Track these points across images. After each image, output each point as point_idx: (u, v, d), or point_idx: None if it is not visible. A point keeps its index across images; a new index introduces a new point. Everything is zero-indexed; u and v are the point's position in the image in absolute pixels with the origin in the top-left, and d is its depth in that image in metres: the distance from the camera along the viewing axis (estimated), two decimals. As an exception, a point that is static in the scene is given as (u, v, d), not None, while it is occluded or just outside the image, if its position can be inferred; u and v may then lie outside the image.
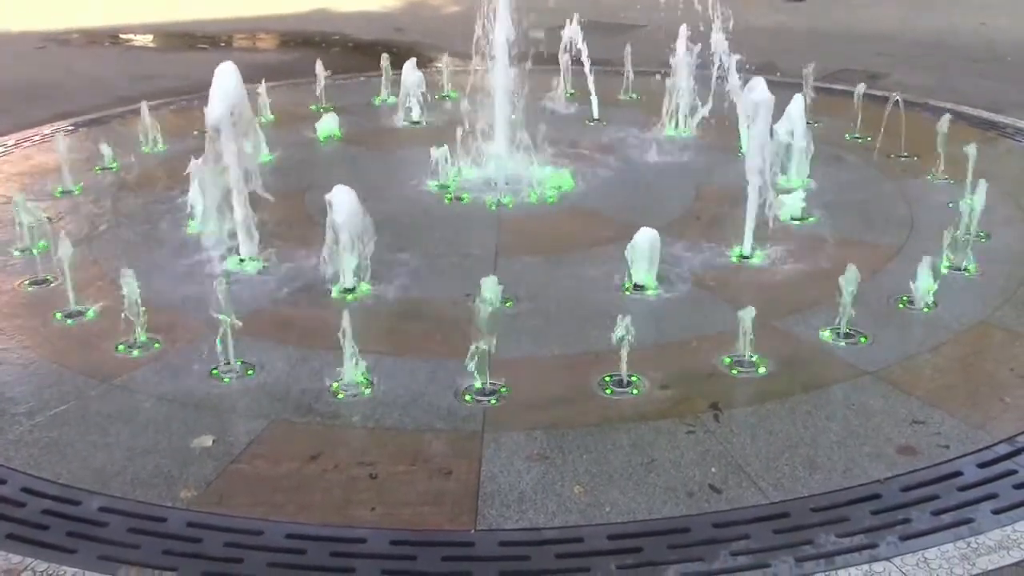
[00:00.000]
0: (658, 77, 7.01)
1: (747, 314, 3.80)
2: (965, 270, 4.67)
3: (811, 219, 5.34)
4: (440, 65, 8.04)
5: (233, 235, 4.84)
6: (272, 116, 7.31)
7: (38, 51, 10.77)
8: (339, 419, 3.60)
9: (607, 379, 3.77)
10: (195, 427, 3.54)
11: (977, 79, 8.92)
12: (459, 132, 5.95)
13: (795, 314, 4.31)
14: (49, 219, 5.27)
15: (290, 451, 3.41)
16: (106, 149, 6.36)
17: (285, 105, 7.58)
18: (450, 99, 7.73)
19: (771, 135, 4.90)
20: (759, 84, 4.69)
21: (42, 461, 3.37)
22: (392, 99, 7.61)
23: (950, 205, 5.33)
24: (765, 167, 4.72)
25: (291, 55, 10.57)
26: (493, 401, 3.67)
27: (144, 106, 6.73)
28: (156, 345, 4.08)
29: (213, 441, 3.46)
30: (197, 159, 4.83)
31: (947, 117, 6.02)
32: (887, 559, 2.89)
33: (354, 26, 12.00)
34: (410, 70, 7.22)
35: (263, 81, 7.39)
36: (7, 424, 3.58)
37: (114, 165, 6.33)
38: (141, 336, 4.08)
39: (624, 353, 3.70)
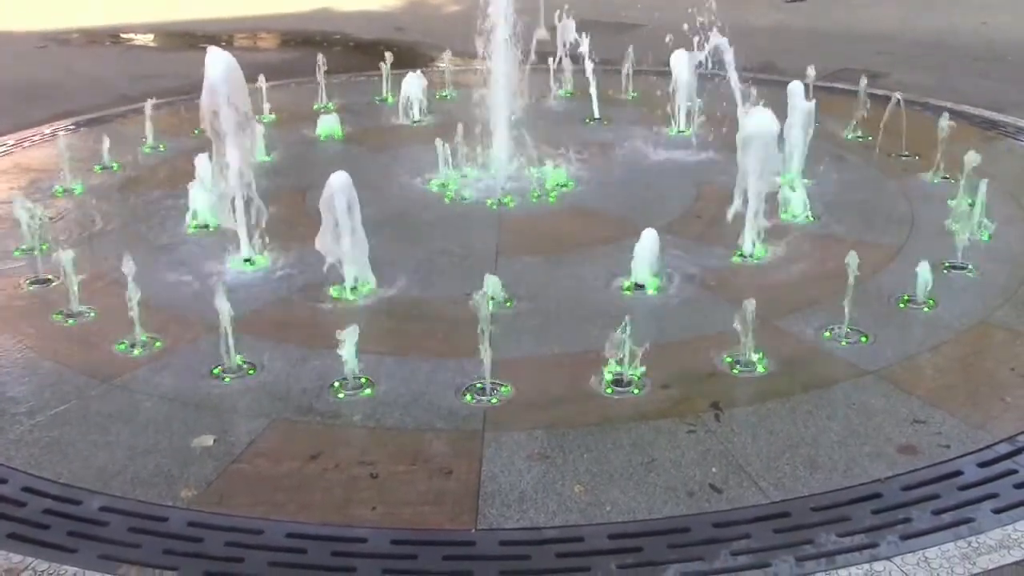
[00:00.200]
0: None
1: (748, 309, 3.79)
2: (966, 270, 4.67)
3: (812, 219, 5.34)
4: (441, 65, 8.04)
5: (234, 234, 4.83)
6: (273, 115, 7.32)
7: (39, 50, 10.77)
8: (340, 418, 3.60)
9: (607, 378, 3.77)
10: (196, 427, 3.55)
11: (978, 78, 8.92)
12: (460, 132, 5.95)
13: (796, 313, 4.31)
14: (50, 218, 5.27)
15: (291, 450, 3.41)
16: (107, 148, 6.35)
17: (286, 104, 7.58)
18: (450, 99, 7.73)
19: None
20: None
21: (43, 461, 3.37)
22: (392, 99, 7.61)
23: (951, 204, 5.33)
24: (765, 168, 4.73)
25: (292, 54, 10.57)
26: (494, 400, 3.67)
27: (147, 106, 6.73)
28: (157, 344, 4.08)
29: (214, 440, 3.46)
30: (198, 157, 4.84)
31: (947, 116, 6.02)
32: (888, 558, 2.89)
33: (355, 25, 12.00)
34: (412, 79, 7.20)
35: (261, 77, 7.37)
36: (8, 423, 3.58)
37: (115, 164, 6.33)
38: (142, 336, 4.08)
39: (625, 353, 3.70)
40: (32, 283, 4.67)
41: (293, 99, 7.80)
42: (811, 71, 6.79)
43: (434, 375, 3.85)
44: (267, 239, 4.86)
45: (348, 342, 3.66)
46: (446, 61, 8.14)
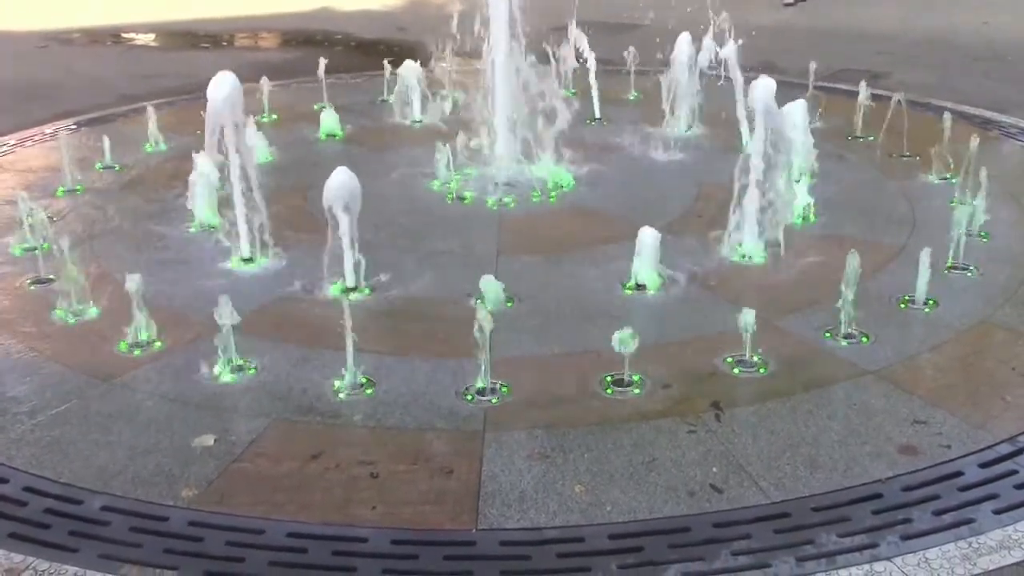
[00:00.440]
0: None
1: (748, 314, 3.79)
2: (967, 270, 4.67)
3: (813, 218, 5.34)
4: (442, 64, 8.03)
5: (235, 234, 4.84)
6: (274, 115, 7.32)
7: (40, 50, 10.77)
8: (340, 418, 3.61)
9: (608, 378, 3.77)
10: (196, 426, 3.55)
11: (979, 78, 8.91)
12: (460, 132, 5.94)
13: (796, 313, 4.31)
14: (51, 218, 5.28)
15: (291, 450, 3.41)
16: (108, 148, 6.36)
17: (287, 104, 7.58)
18: (451, 98, 7.73)
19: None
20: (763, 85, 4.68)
21: (44, 460, 3.37)
22: (393, 98, 7.61)
23: (952, 204, 5.33)
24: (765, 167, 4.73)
25: (293, 54, 10.58)
26: (494, 400, 3.67)
27: (149, 107, 6.74)
28: (158, 344, 4.09)
29: (214, 440, 3.46)
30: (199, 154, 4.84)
31: (949, 116, 6.02)
32: (888, 559, 2.89)
33: (356, 25, 12.00)
34: (411, 71, 7.21)
35: (263, 78, 7.38)
36: (9, 423, 3.59)
37: (116, 164, 6.34)
38: (143, 335, 4.08)
39: (625, 353, 3.70)
40: (33, 282, 4.67)
41: (294, 99, 7.81)
42: (811, 70, 6.81)
43: (434, 375, 3.85)
44: (268, 238, 4.86)
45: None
46: (447, 61, 8.13)
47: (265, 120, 7.13)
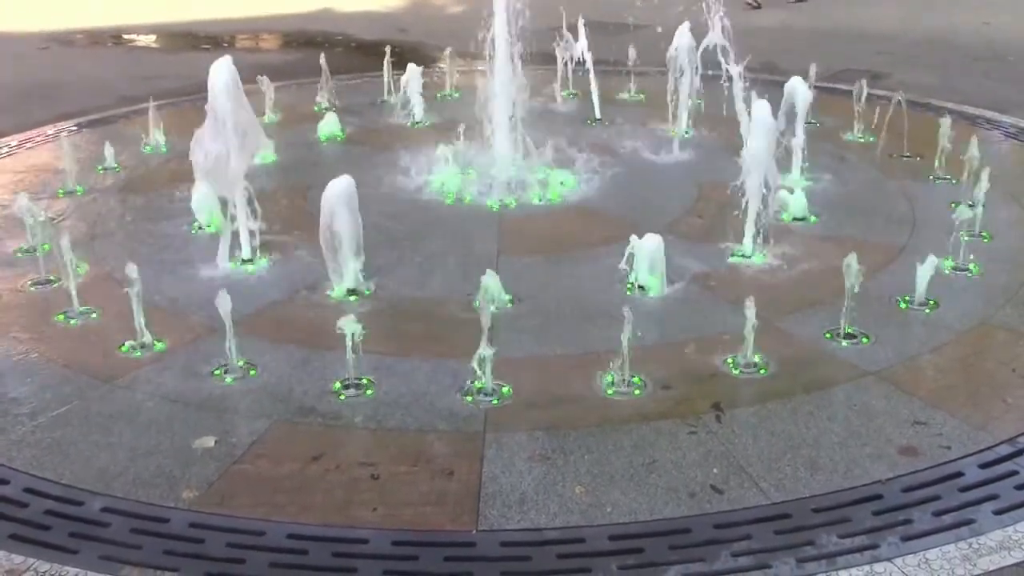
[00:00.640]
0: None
1: (749, 313, 3.79)
2: (967, 270, 4.67)
3: (813, 219, 5.34)
4: (442, 65, 8.04)
5: (236, 235, 4.84)
6: (274, 116, 7.32)
7: (41, 51, 10.78)
8: (341, 420, 3.61)
9: (609, 379, 3.77)
10: (197, 428, 3.55)
11: (980, 79, 8.91)
12: (461, 132, 5.95)
13: (797, 314, 4.31)
14: (52, 219, 5.28)
15: (292, 451, 3.41)
16: (109, 149, 6.36)
17: (287, 105, 7.58)
18: (452, 99, 7.74)
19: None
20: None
21: (44, 461, 3.38)
22: (393, 99, 7.61)
23: (952, 205, 5.32)
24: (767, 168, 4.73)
25: (294, 55, 10.58)
26: (495, 401, 3.67)
27: (150, 108, 6.74)
28: (158, 345, 4.09)
29: (215, 442, 3.46)
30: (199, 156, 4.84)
31: (949, 117, 6.02)
32: (888, 560, 2.89)
33: (357, 26, 12.00)
34: (412, 72, 7.22)
35: (265, 78, 7.38)
36: (10, 424, 3.59)
37: (117, 165, 6.34)
38: (144, 336, 4.08)
39: (625, 354, 3.70)
40: (34, 284, 4.67)
41: (295, 100, 7.81)
42: (812, 71, 6.80)
43: (435, 376, 3.85)
44: (269, 239, 4.86)
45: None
46: (448, 61, 8.14)
47: (266, 121, 7.13)
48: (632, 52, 7.72)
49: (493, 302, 3.67)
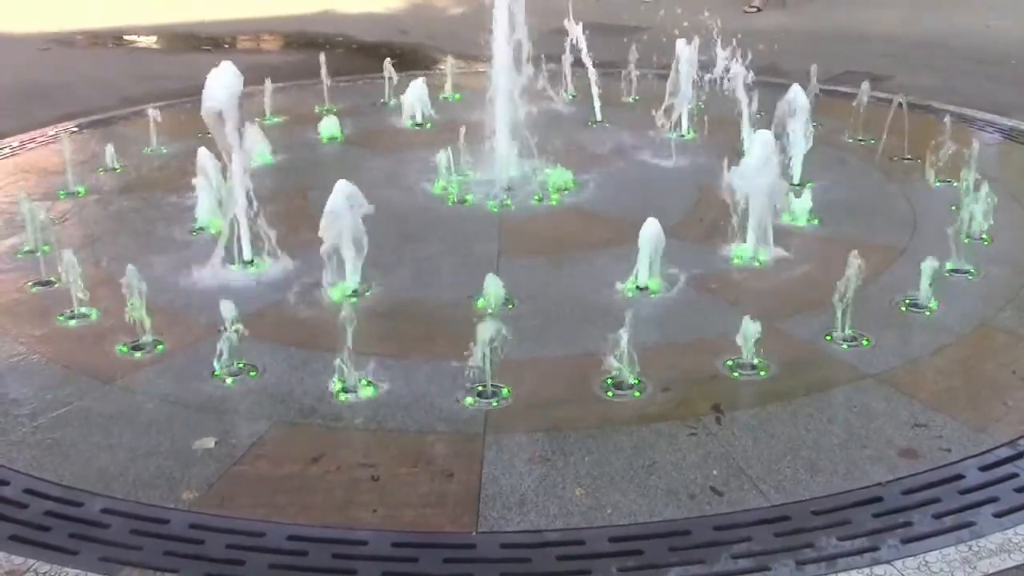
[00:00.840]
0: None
1: (749, 319, 3.80)
2: (967, 272, 4.67)
3: (814, 221, 5.34)
4: (443, 67, 8.04)
5: (236, 236, 4.84)
6: (275, 117, 7.33)
7: (42, 52, 10.79)
8: (341, 421, 3.61)
9: (608, 381, 3.77)
10: (197, 429, 3.55)
11: (981, 81, 8.91)
12: (462, 134, 5.95)
13: (797, 316, 4.31)
14: (53, 220, 5.28)
15: (292, 453, 3.41)
16: (110, 150, 6.37)
17: (288, 106, 7.58)
18: (453, 101, 7.74)
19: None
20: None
21: (44, 462, 3.38)
22: (394, 102, 7.62)
23: (952, 208, 5.32)
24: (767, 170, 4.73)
25: (294, 56, 10.58)
26: (495, 403, 3.67)
27: (151, 109, 6.75)
28: (159, 347, 4.09)
29: (215, 443, 3.46)
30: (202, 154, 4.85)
31: (950, 120, 6.02)
32: (888, 562, 2.89)
33: (358, 28, 12.00)
34: (416, 86, 7.20)
35: (267, 81, 7.40)
36: (10, 425, 3.59)
37: (118, 166, 6.35)
38: (144, 337, 4.08)
39: (625, 355, 3.70)
40: (35, 285, 4.68)
41: (296, 101, 7.81)
42: (813, 73, 6.80)
43: (435, 377, 3.85)
44: (269, 241, 4.86)
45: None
46: (449, 63, 8.15)
47: (267, 122, 7.13)
48: (633, 54, 7.73)
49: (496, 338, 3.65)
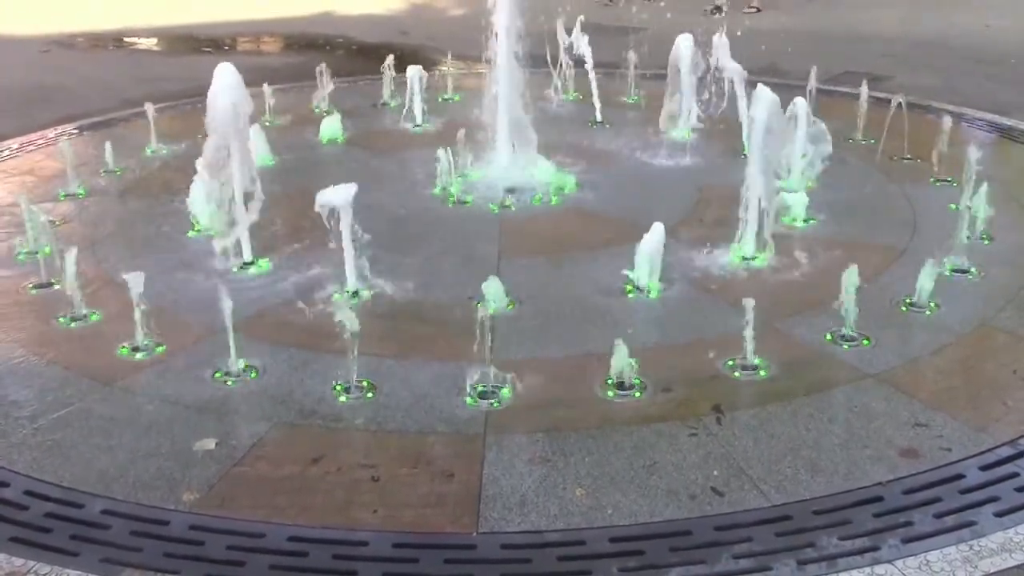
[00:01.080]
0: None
1: (749, 313, 3.79)
2: (968, 272, 4.67)
3: (814, 221, 5.34)
4: (444, 68, 8.04)
5: (236, 238, 4.84)
6: (276, 119, 7.33)
7: (43, 54, 10.80)
8: (341, 422, 3.61)
9: (609, 381, 3.77)
10: (198, 430, 3.55)
11: (981, 81, 8.91)
12: (462, 135, 5.95)
13: (797, 316, 4.31)
14: (53, 222, 5.29)
15: (292, 454, 3.41)
16: (110, 152, 6.37)
17: (289, 108, 7.59)
18: (453, 102, 7.74)
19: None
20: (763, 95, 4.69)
21: (45, 464, 3.38)
22: (394, 103, 7.62)
23: (953, 207, 5.32)
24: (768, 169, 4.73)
25: (295, 58, 10.58)
26: (495, 404, 3.67)
27: (151, 110, 6.75)
28: (159, 348, 4.09)
29: (216, 444, 3.46)
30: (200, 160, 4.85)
31: (950, 119, 6.02)
32: (889, 562, 2.89)
33: (359, 29, 12.01)
34: (414, 74, 7.22)
35: (266, 84, 7.40)
36: (10, 427, 3.59)
37: (118, 168, 6.35)
38: (144, 339, 4.09)
39: (625, 355, 3.70)
40: (35, 287, 4.68)
41: (296, 102, 7.81)
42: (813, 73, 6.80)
43: (436, 378, 3.85)
44: (269, 242, 4.87)
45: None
46: (449, 64, 8.15)
47: (267, 124, 7.13)
48: (633, 54, 7.73)
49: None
